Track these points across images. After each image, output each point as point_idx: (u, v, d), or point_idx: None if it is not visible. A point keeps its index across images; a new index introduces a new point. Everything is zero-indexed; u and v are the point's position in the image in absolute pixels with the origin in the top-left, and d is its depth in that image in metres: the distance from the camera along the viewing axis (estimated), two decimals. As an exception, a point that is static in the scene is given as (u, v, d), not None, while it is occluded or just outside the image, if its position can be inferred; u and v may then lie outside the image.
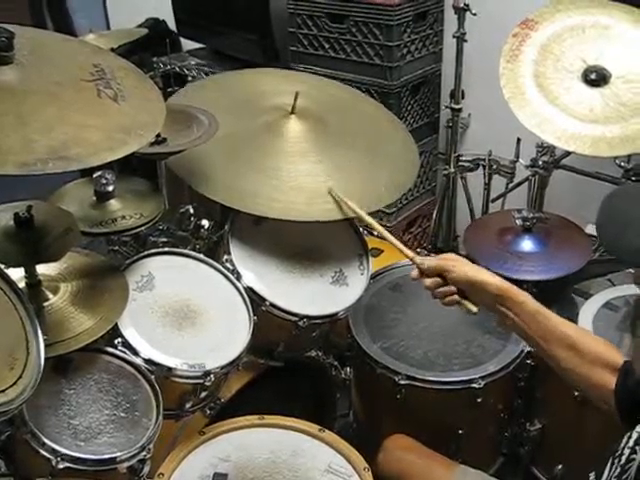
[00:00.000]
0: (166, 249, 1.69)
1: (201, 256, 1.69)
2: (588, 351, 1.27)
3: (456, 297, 1.41)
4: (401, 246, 1.56)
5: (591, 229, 2.29)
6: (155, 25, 3.71)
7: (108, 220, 1.66)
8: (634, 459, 1.02)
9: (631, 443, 1.05)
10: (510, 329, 1.39)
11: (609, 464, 1.08)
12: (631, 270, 1.86)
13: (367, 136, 1.95)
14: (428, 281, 1.43)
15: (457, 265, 1.40)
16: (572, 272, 1.87)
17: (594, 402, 1.28)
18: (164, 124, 1.38)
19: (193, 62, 3.27)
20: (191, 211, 1.89)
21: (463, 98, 2.58)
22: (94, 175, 1.68)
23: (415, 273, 1.47)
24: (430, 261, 1.44)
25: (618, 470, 1.05)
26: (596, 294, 1.86)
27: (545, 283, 1.85)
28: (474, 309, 1.40)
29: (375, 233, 2.59)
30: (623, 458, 1.05)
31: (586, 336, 1.31)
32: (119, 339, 1.46)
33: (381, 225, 1.67)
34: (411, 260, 1.49)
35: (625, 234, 0.97)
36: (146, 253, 1.64)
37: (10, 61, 1.22)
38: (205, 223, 1.85)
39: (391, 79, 2.63)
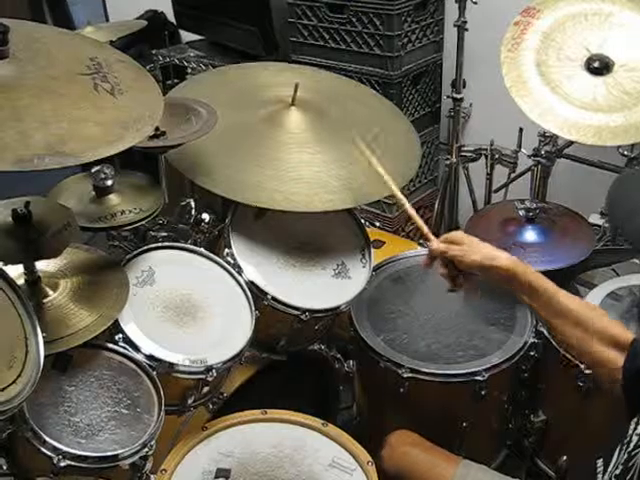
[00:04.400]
0: (166, 243, 1.68)
1: (202, 250, 1.68)
2: (596, 327, 1.26)
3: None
4: (421, 223, 1.53)
5: (595, 219, 2.28)
6: (154, 17, 3.70)
7: (107, 215, 1.65)
8: None
9: (639, 430, 1.05)
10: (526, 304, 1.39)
11: (617, 450, 1.07)
12: (636, 260, 1.86)
13: (368, 127, 1.94)
14: (441, 269, 1.44)
15: (465, 253, 1.39)
16: (576, 262, 1.86)
17: (601, 380, 1.27)
18: (163, 117, 1.37)
19: (192, 54, 3.26)
20: (192, 205, 1.88)
21: (464, 87, 2.56)
22: (92, 170, 1.67)
23: (426, 260, 1.47)
24: (438, 246, 1.44)
25: (625, 457, 1.04)
26: (600, 284, 1.85)
27: (549, 273, 1.82)
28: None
29: (377, 224, 2.60)
30: (631, 445, 1.04)
31: (594, 313, 1.30)
32: (120, 335, 1.45)
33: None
34: (425, 237, 1.49)
35: (634, 217, 0.96)
36: (146, 248, 1.63)
37: (5, 55, 1.20)
38: (206, 217, 1.84)
39: (392, 69, 2.61)
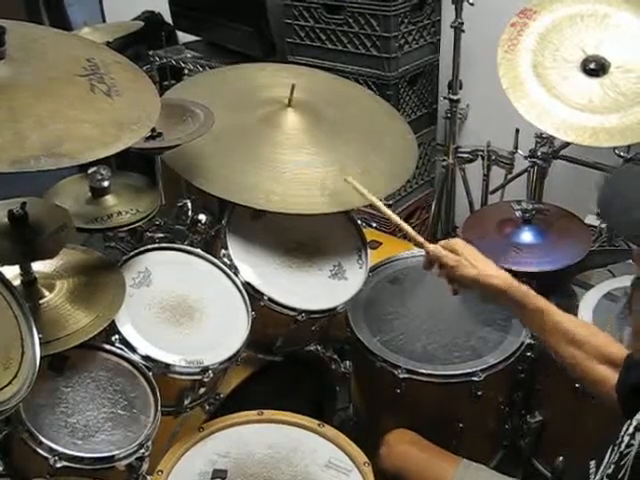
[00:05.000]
0: (163, 244, 1.68)
1: (198, 251, 1.68)
2: (591, 346, 1.27)
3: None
4: (414, 234, 1.53)
5: (591, 220, 2.28)
6: (151, 18, 3.68)
7: (104, 216, 1.65)
8: (632, 445, 1.02)
9: (631, 430, 1.05)
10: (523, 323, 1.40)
11: (609, 451, 1.08)
12: (632, 261, 1.86)
13: (365, 128, 1.94)
14: (439, 272, 1.45)
15: (459, 265, 1.39)
16: (572, 263, 1.87)
17: (599, 397, 1.28)
18: (160, 118, 1.36)
19: (189, 55, 3.26)
20: (188, 205, 1.88)
21: (461, 89, 2.56)
22: (89, 171, 1.67)
23: (425, 262, 1.48)
24: (435, 249, 1.44)
25: (617, 456, 1.05)
26: (596, 285, 1.85)
27: (545, 274, 1.84)
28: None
29: (374, 225, 2.60)
30: (623, 445, 1.05)
31: (588, 331, 1.31)
32: (116, 336, 1.45)
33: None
34: (422, 246, 1.49)
35: (628, 211, 0.97)
36: (143, 249, 1.63)
37: (2, 56, 1.20)
38: (202, 217, 1.84)
39: (389, 70, 2.61)
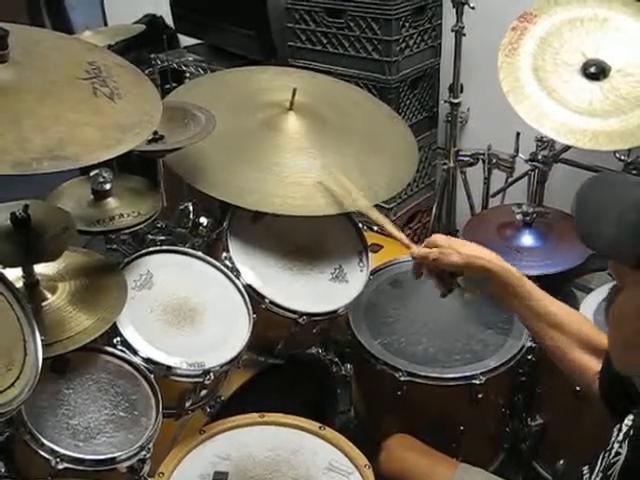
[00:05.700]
0: (164, 247, 1.68)
1: (200, 254, 1.68)
2: (575, 332, 1.26)
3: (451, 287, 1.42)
4: (402, 236, 1.52)
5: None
6: (153, 21, 3.70)
7: (106, 218, 1.65)
8: (620, 454, 1.01)
9: (620, 437, 1.04)
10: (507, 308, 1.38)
11: (600, 457, 1.07)
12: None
13: (366, 131, 1.94)
14: (431, 278, 1.43)
15: (443, 254, 1.37)
16: (572, 266, 1.87)
17: (579, 383, 1.27)
18: (161, 121, 1.37)
19: (191, 58, 3.27)
20: (190, 208, 1.88)
21: (462, 92, 2.57)
22: (91, 174, 1.68)
23: (415, 270, 1.45)
24: (419, 251, 1.42)
25: (605, 464, 1.04)
26: (597, 288, 1.85)
27: (546, 277, 1.84)
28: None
29: (375, 228, 2.60)
30: (612, 452, 1.04)
31: (574, 317, 1.30)
32: (118, 338, 1.46)
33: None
34: (406, 247, 1.47)
35: (598, 224, 0.96)
36: (144, 251, 1.64)
37: (4, 60, 1.21)
38: (204, 220, 1.84)
39: (389, 74, 2.62)
